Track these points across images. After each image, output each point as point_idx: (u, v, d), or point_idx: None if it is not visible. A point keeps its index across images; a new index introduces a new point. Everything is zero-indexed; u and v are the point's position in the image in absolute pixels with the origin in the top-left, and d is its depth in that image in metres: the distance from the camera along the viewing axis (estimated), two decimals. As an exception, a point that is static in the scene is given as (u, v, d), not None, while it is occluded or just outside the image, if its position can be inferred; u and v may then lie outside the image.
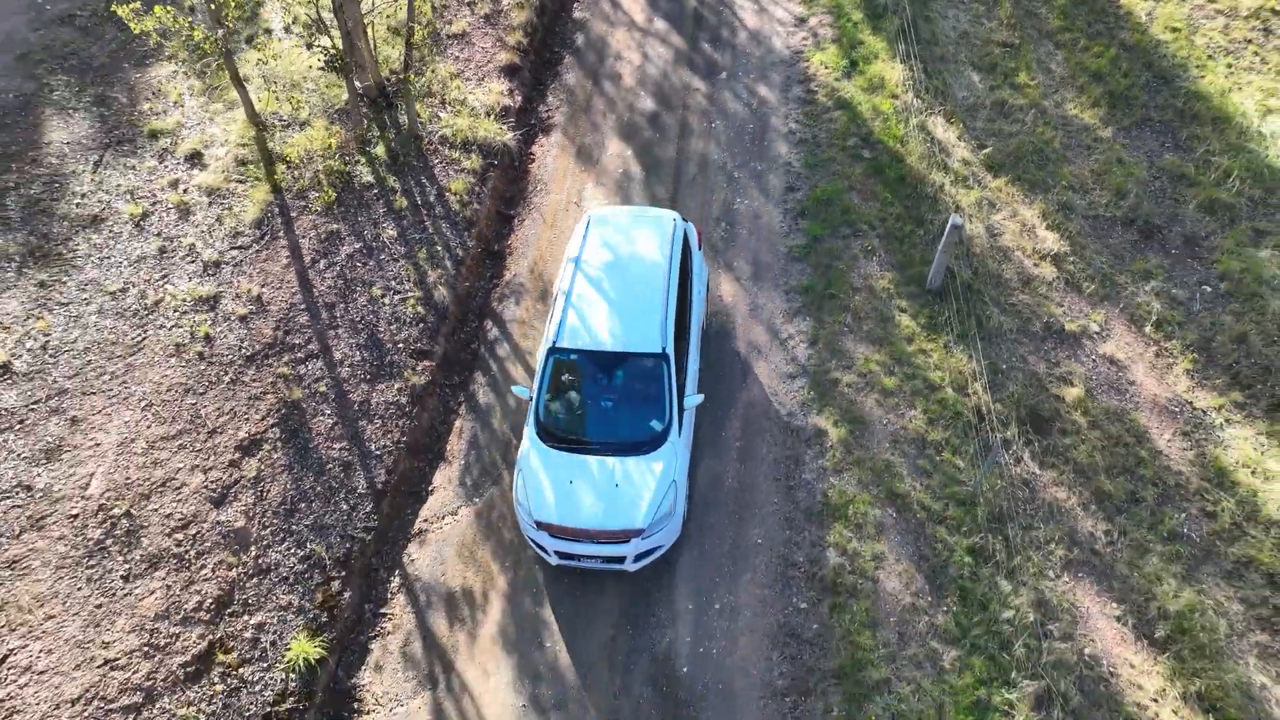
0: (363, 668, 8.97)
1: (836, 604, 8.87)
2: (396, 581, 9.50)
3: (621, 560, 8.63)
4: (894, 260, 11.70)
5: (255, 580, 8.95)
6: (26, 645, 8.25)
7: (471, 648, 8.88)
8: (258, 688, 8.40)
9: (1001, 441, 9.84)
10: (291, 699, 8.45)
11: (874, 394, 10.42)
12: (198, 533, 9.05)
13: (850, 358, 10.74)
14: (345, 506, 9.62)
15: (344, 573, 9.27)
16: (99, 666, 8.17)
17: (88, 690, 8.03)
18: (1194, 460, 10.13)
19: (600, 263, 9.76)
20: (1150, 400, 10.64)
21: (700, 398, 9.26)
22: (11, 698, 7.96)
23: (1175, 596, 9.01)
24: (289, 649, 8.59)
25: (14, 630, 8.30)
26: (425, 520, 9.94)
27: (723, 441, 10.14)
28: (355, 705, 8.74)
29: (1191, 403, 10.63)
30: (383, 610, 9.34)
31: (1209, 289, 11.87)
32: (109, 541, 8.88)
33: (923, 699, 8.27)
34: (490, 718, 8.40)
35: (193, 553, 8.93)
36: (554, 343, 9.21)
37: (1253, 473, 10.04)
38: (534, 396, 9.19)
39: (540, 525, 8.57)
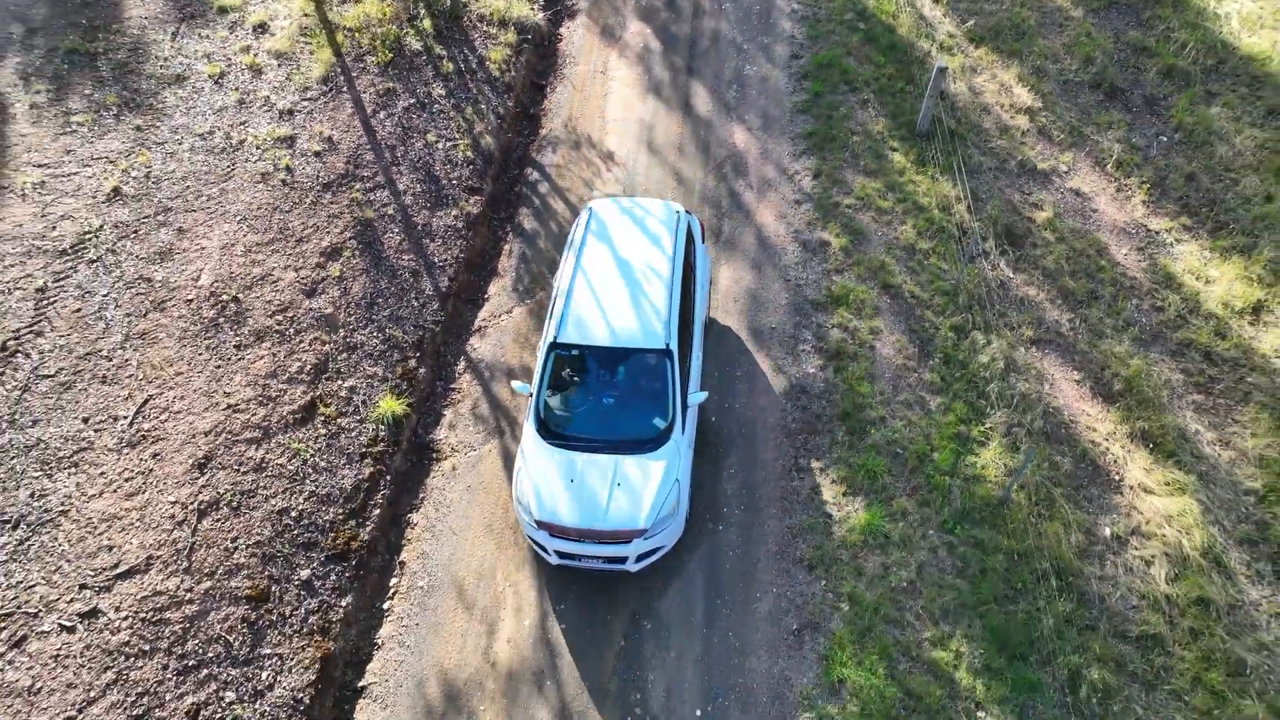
0: (438, 427, 10.73)
1: (839, 366, 10.68)
2: (462, 365, 11.26)
3: (623, 561, 8.59)
4: (887, 111, 13.47)
5: (345, 354, 10.69)
6: (163, 393, 9.99)
7: (531, 407, 10.64)
8: (354, 433, 10.15)
9: (981, 250, 11.64)
10: (381, 444, 10.21)
11: (870, 213, 12.21)
12: (294, 316, 10.77)
13: (849, 186, 12.52)
14: (416, 303, 11.36)
15: (419, 354, 11.02)
16: (224, 409, 9.91)
17: (216, 426, 9.78)
18: (1146, 269, 11.95)
19: (601, 255, 9.59)
20: (1110, 224, 12.46)
21: (704, 395, 9.05)
22: (155, 429, 9.71)
23: (1126, 364, 10.83)
24: (377, 406, 10.33)
25: (151, 382, 10.03)
26: (483, 320, 11.69)
27: (740, 254, 11.91)
28: (434, 454, 10.50)
29: (1146, 226, 12.45)
30: (452, 385, 11.10)
31: (1165, 139, 13.68)
32: (221, 320, 10.60)
33: (913, 431, 10.10)
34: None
35: (291, 330, 10.66)
36: (554, 338, 9.03)
37: (1196, 278, 11.87)
38: (534, 393, 9.01)
39: (540, 525, 8.49)
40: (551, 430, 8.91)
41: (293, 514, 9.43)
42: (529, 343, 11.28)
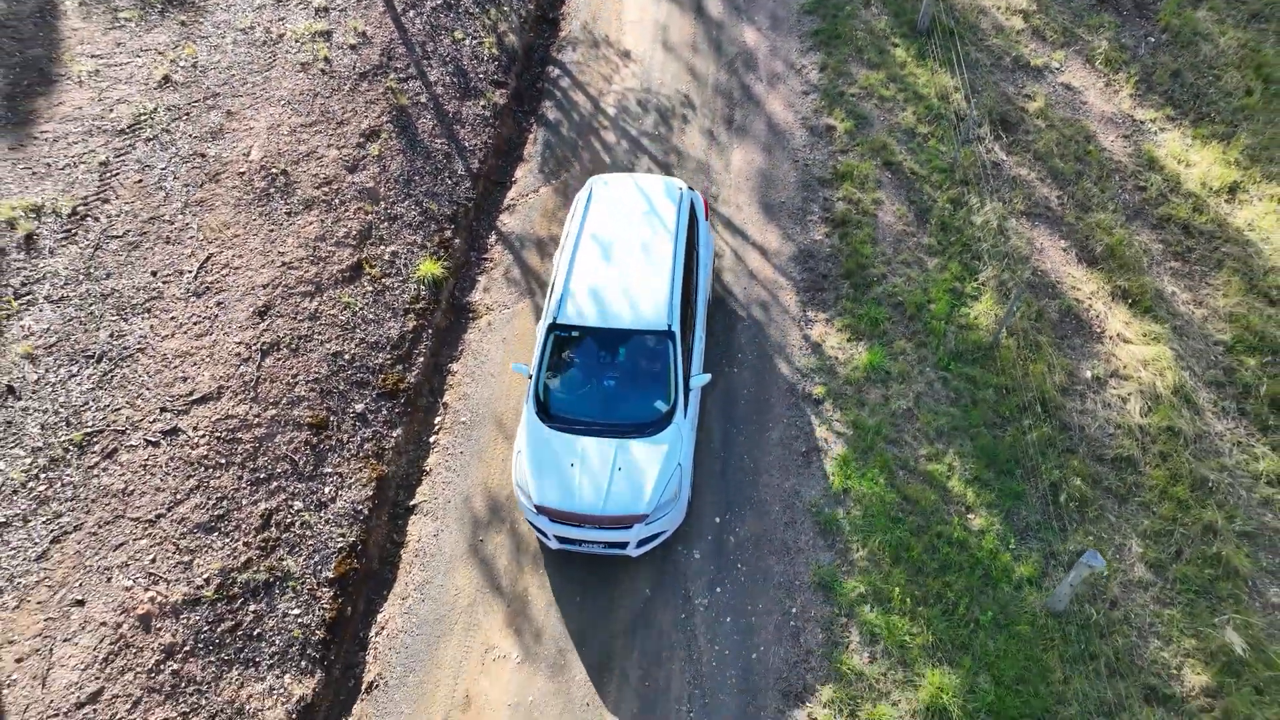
0: (473, 290, 11.75)
1: (844, 233, 11.68)
2: (493, 238, 12.26)
3: (624, 546, 8.63)
4: (889, 11, 14.35)
5: (386, 224, 11.67)
6: (222, 252, 10.98)
7: (560, 271, 11.65)
8: (397, 291, 11.16)
9: (976, 134, 12.59)
10: (423, 302, 11.22)
11: (873, 100, 13.15)
12: (338, 188, 11.75)
13: (854, 77, 13.44)
14: (449, 182, 12.33)
15: (453, 226, 12.01)
16: (279, 266, 10.91)
17: (273, 280, 10.79)
18: (1131, 153, 12.92)
19: (603, 233, 9.53)
20: (1098, 114, 13.40)
21: (707, 377, 8.99)
22: (218, 282, 10.71)
23: (1109, 233, 11.84)
24: (418, 268, 11.34)
25: (212, 242, 11.03)
26: (512, 199, 12.67)
27: (751, 139, 12.86)
28: (471, 314, 11.53)
29: (1132, 116, 13.39)
30: (485, 255, 12.11)
31: (1152, 40, 14.57)
32: (271, 190, 11.57)
33: (912, 286, 11.12)
34: (578, 312, 11.16)
35: (337, 200, 11.63)
36: (554, 319, 9.00)
37: (1177, 162, 12.84)
38: (533, 375, 8.98)
39: (540, 509, 8.50)
40: (551, 413, 8.84)
41: (345, 357, 10.46)
42: (556, 217, 12.26)
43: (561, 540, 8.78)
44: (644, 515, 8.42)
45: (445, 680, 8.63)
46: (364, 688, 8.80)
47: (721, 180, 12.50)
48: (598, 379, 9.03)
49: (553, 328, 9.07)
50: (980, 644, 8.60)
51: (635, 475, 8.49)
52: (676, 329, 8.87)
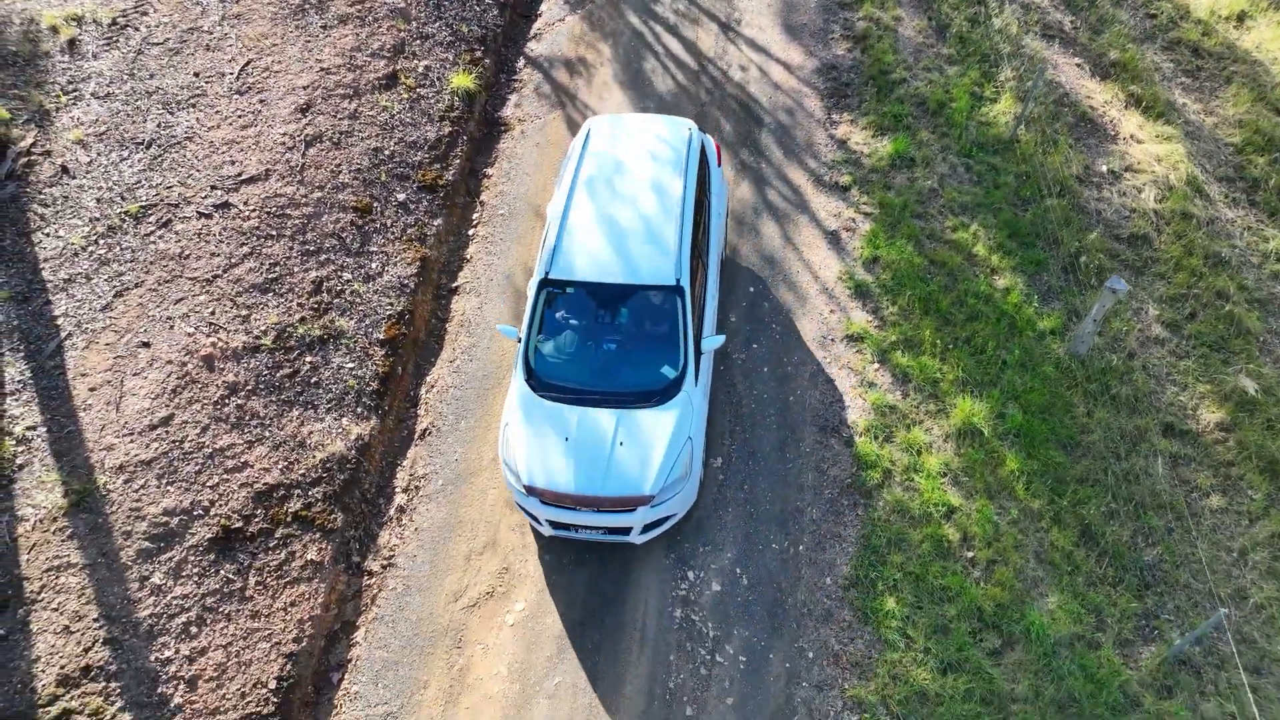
0: (504, 106, 12.20)
1: (866, 45, 12.17)
2: (522, 62, 12.70)
3: (626, 532, 7.79)
4: None
5: (419, 41, 12.10)
6: (261, 58, 11.40)
7: (589, 86, 12.12)
8: (432, 100, 11.60)
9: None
10: (457, 111, 11.67)
11: (891, -67, 13.58)
12: (371, 6, 12.15)
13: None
14: (478, 8, 12.75)
15: (483, 48, 12.44)
16: (317, 71, 11.33)
17: (312, 83, 11.21)
18: (1142, -16, 13.39)
19: (602, 179, 8.66)
20: (1109, -50, 13.84)
21: (720, 339, 8.17)
22: (259, 83, 11.13)
23: (1123, 50, 12.34)
24: (451, 81, 11.77)
25: (250, 49, 11.43)
26: (538, 28, 13.10)
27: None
28: (503, 127, 11.98)
29: (1142, -49, 13.83)
30: (514, 77, 12.55)
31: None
32: (306, 6, 11.98)
33: (933, 88, 11.62)
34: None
35: (370, 18, 12.05)
36: (546, 273, 8.16)
37: (1187, -8, 13.32)
38: (523, 338, 8.14)
39: (530, 490, 7.67)
40: (543, 381, 7.98)
41: (385, 152, 10.91)
42: (583, 41, 12.70)
43: (555, 526, 7.86)
44: (649, 497, 7.53)
45: (495, 424, 9.12)
46: (417, 434, 9.30)
47: (743, 5, 12.93)
48: (596, 342, 8.13)
49: (544, 283, 8.16)
50: (1007, 380, 9.16)
51: (639, 451, 7.61)
52: (686, 284, 8.02)
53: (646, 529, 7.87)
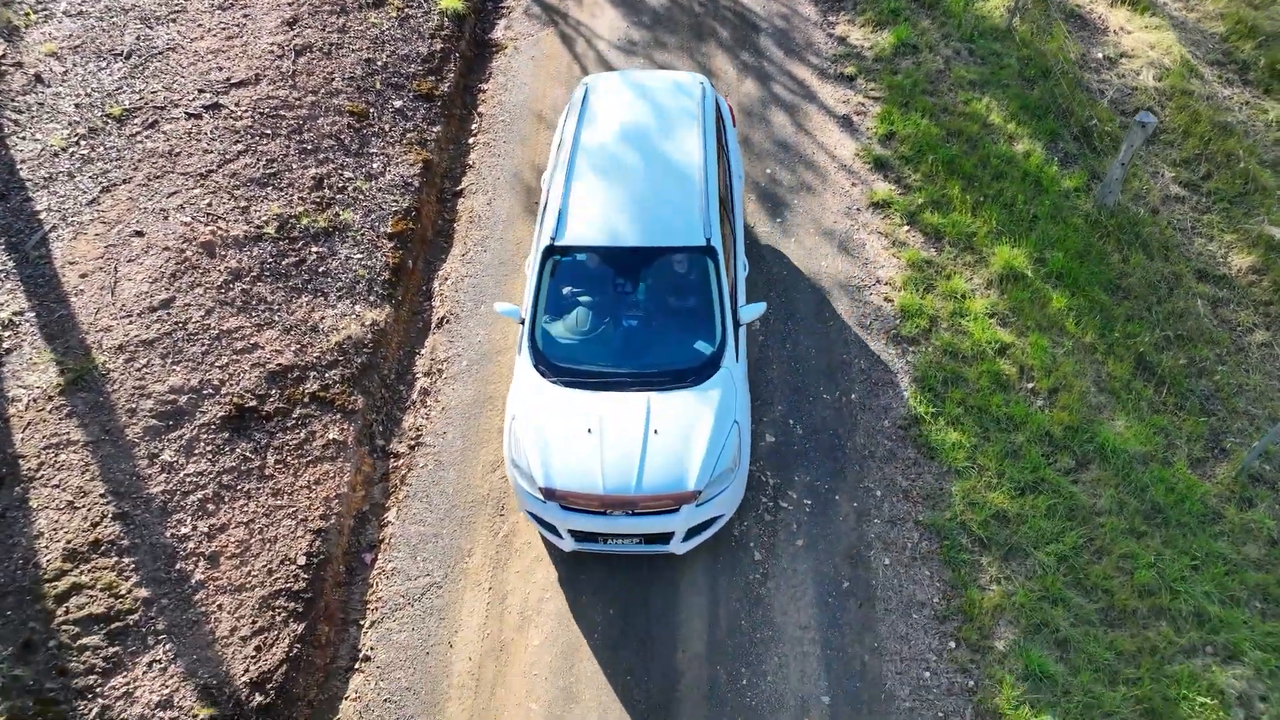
0: (494, 29, 12.03)
1: (854, -45, 12.28)
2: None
3: (666, 540, 6.58)
4: None
5: (403, -33, 11.90)
6: (241, -23, 11.08)
7: (580, 4, 12.02)
8: (422, 20, 11.39)
9: None
10: (447, 30, 11.46)
11: None
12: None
13: None
14: (460, -60, 12.63)
15: (468, -25, 12.30)
16: (301, -11, 11.04)
17: (295, 0, 10.92)
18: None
19: (607, 138, 7.59)
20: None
21: (761, 307, 6.99)
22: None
23: (1099, -45, 12.60)
24: (439, 1, 11.59)
25: (229, -31, 11.12)
26: (522, -39, 13.00)
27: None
28: (495, 47, 11.79)
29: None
30: (501, 3, 12.40)
31: None
32: (285, -66, 11.73)
33: (925, -13, 11.73)
34: (602, 34, 11.55)
35: (352, -56, 11.83)
36: (552, 240, 6.97)
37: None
38: (528, 317, 6.96)
39: (549, 494, 6.41)
40: (556, 365, 6.79)
41: (378, 64, 10.62)
42: (569, -35, 12.62)
43: (579, 537, 6.61)
44: (694, 493, 6.33)
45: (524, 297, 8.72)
46: (434, 323, 8.86)
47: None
48: (616, 316, 7.02)
49: (550, 251, 6.99)
50: (1041, 230, 9.06)
51: (678, 439, 6.42)
52: (717, 245, 6.94)
53: (690, 535, 6.61)
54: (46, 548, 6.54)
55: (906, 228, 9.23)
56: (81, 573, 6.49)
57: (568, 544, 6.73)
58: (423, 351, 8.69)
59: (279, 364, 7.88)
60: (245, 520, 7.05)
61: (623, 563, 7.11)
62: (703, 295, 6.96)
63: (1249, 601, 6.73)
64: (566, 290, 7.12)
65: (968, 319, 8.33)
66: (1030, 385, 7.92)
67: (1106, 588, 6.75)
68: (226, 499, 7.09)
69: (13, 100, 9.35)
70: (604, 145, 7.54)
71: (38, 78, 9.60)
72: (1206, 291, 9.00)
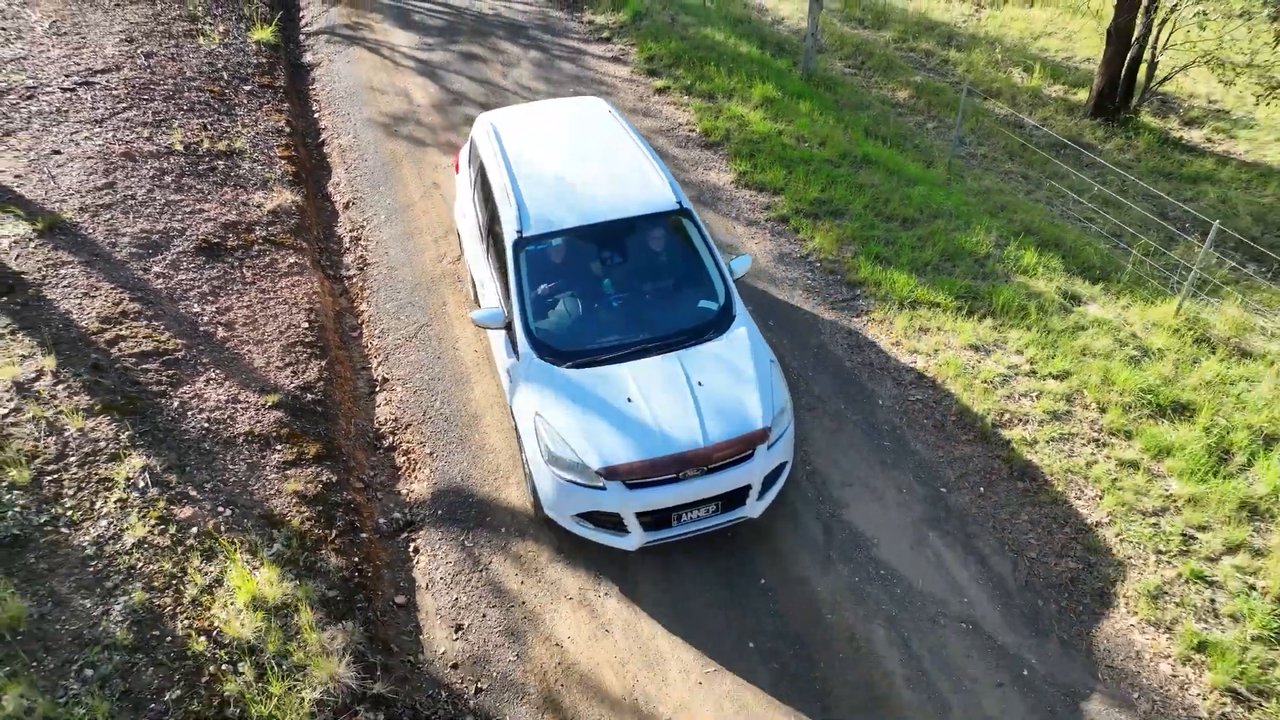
0: (305, 53, 14.40)
1: (578, -19, 16.38)
2: (304, 36, 15.10)
3: (743, 500, 6.29)
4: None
5: (209, 15, 14.11)
6: (65, 20, 12.68)
7: (373, 32, 14.82)
8: (241, 45, 13.55)
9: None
10: (265, 55, 13.70)
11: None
12: (156, -4, 14.03)
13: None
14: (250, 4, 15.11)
15: (269, 12, 14.74)
16: (126, 25, 12.86)
17: (126, 30, 12.70)
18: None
19: (535, 145, 7.72)
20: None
21: (749, 260, 7.20)
22: (73, 30, 12.38)
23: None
24: (253, 35, 13.88)
25: (51, 14, 12.69)
26: (308, 17, 15.68)
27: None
28: (310, 67, 14.14)
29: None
30: (303, 43, 14.86)
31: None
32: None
33: (637, -11, 15.98)
34: (400, 45, 14.39)
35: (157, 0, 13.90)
36: (519, 233, 6.84)
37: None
38: (516, 318, 6.67)
39: (610, 474, 5.98)
40: (565, 350, 6.55)
41: (219, 66, 12.53)
42: (352, 12, 15.44)
43: (648, 524, 6.13)
44: (764, 431, 6.15)
45: (409, 188, 10.75)
46: (343, 206, 10.59)
47: (474, -21, 16.65)
48: (611, 291, 7.01)
49: (522, 243, 6.83)
50: (774, 80, 12.84)
51: (726, 384, 6.30)
52: (690, 207, 7.20)
53: (765, 487, 6.38)
54: (80, 318, 7.35)
55: (686, 97, 12.60)
56: (120, 330, 7.36)
57: (635, 539, 6.15)
58: (340, 222, 10.32)
59: (226, 220, 9.22)
60: (244, 306, 8.23)
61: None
62: (693, 255, 7.14)
63: (961, 206, 10.25)
64: (551, 279, 6.93)
65: (750, 124, 11.67)
66: (807, 144, 11.30)
67: (897, 213, 9.95)
68: (221, 294, 8.25)
69: (-123, 93, 10.07)
70: (537, 150, 7.64)
71: (-105, 80, 10.38)
72: (889, 105, 13.18)
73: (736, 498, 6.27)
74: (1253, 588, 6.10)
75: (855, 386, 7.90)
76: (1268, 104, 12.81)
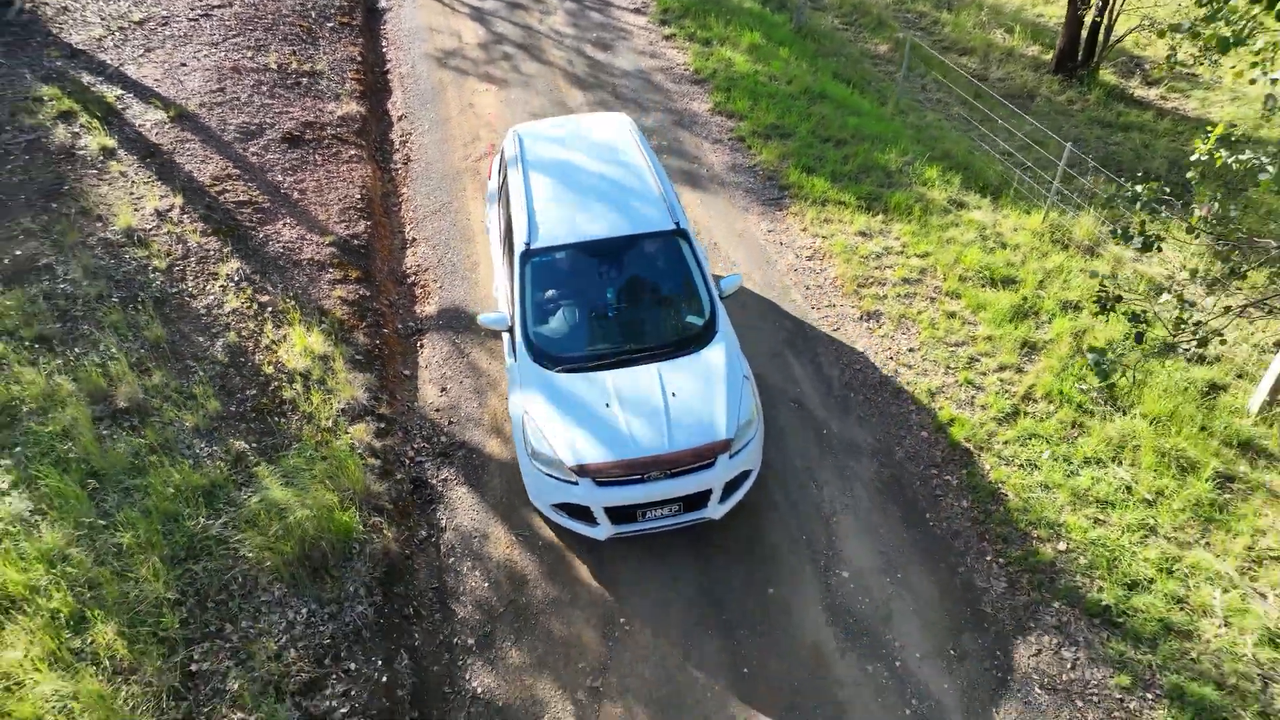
0: (379, 1, 17.35)
1: (617, -57, 18.92)
2: (379, -15, 18.02)
3: (704, 503, 6.94)
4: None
5: (303, -33, 17.12)
6: (191, -35, 15.84)
7: (437, -19, 17.65)
8: (327, -10, 16.54)
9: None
10: (341, 1, 16.68)
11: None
12: (261, -51, 17.10)
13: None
14: (337, -43, 18.10)
15: (350, -26, 17.69)
16: (238, -29, 15.95)
17: (237, -25, 15.79)
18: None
19: (554, 161, 8.51)
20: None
21: (738, 278, 7.82)
22: (197, -27, 15.52)
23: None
24: (337, -17, 16.84)
25: (180, -39, 15.86)
26: (384, -28, 18.60)
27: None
28: (383, 10, 17.09)
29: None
30: (378, -10, 17.79)
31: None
32: (212, -53, 16.69)
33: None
34: (460, -9, 17.19)
35: (263, -47, 16.97)
36: (527, 245, 7.61)
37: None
38: (517, 323, 7.42)
39: (582, 471, 6.67)
40: (557, 355, 7.26)
41: (309, 8, 15.54)
42: (422, -35, 18.29)
43: (616, 518, 6.86)
44: (727, 441, 6.77)
45: (442, 101, 13.56)
46: (396, 119, 13.48)
47: None
48: (605, 303, 7.65)
49: (528, 255, 7.60)
50: (765, 31, 15.22)
51: (698, 395, 6.95)
52: (687, 227, 7.88)
53: (727, 492, 7.05)
54: (198, 176, 10.40)
55: (687, 42, 15.10)
56: (225, 185, 10.39)
57: (604, 530, 6.89)
58: (393, 130, 13.23)
59: (306, 120, 12.20)
60: (314, 180, 11.18)
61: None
62: (684, 273, 7.73)
63: (889, 132, 12.49)
64: (552, 288, 7.62)
65: (734, 65, 14.12)
66: (777, 82, 13.72)
67: (833, 136, 12.34)
68: (297, 171, 11.21)
69: (53, 19, 13.37)
70: (553, 164, 8.45)
71: (64, 8, 13.68)
72: (868, 56, 15.42)
73: (699, 500, 6.91)
74: (1006, 393, 8.49)
75: (763, 256, 10.43)
76: (1205, 65, 14.60)
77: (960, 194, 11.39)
